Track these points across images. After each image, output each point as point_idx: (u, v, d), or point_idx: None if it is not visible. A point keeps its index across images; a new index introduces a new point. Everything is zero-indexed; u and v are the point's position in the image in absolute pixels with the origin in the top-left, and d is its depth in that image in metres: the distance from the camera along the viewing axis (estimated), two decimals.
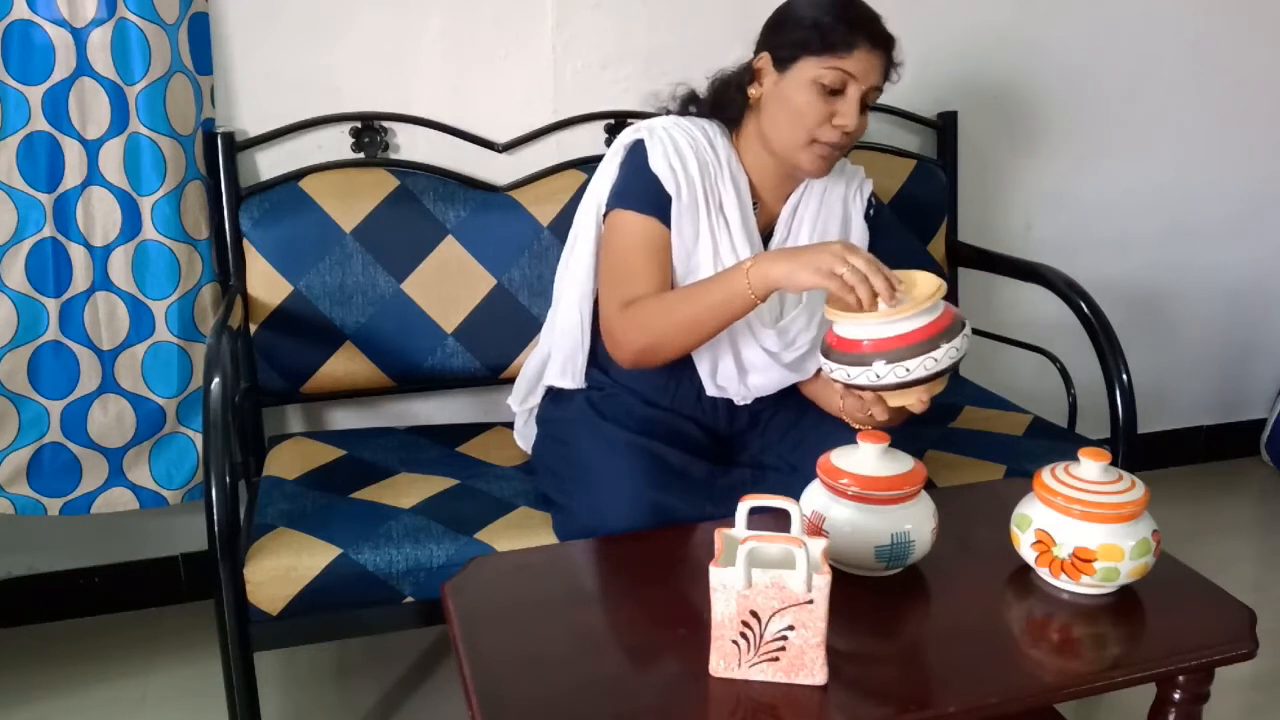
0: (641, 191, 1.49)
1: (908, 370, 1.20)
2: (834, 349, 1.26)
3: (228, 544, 1.38)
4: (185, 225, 1.75)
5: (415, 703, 1.81)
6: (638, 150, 1.51)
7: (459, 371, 1.90)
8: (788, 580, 1.00)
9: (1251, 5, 2.40)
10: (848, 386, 1.28)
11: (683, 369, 1.54)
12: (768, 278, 1.32)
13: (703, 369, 1.54)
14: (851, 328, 1.24)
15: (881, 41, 1.42)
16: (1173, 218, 2.50)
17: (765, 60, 1.48)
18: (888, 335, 1.21)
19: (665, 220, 1.48)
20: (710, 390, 1.55)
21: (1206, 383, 2.70)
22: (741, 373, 1.54)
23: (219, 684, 1.48)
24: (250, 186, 1.84)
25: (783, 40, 1.46)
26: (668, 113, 1.59)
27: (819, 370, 1.56)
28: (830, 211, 1.56)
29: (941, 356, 1.21)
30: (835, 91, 1.42)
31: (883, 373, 1.21)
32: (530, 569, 1.30)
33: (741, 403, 1.57)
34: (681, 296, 1.43)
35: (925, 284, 1.27)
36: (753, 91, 1.50)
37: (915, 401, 1.25)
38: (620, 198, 1.51)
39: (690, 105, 1.58)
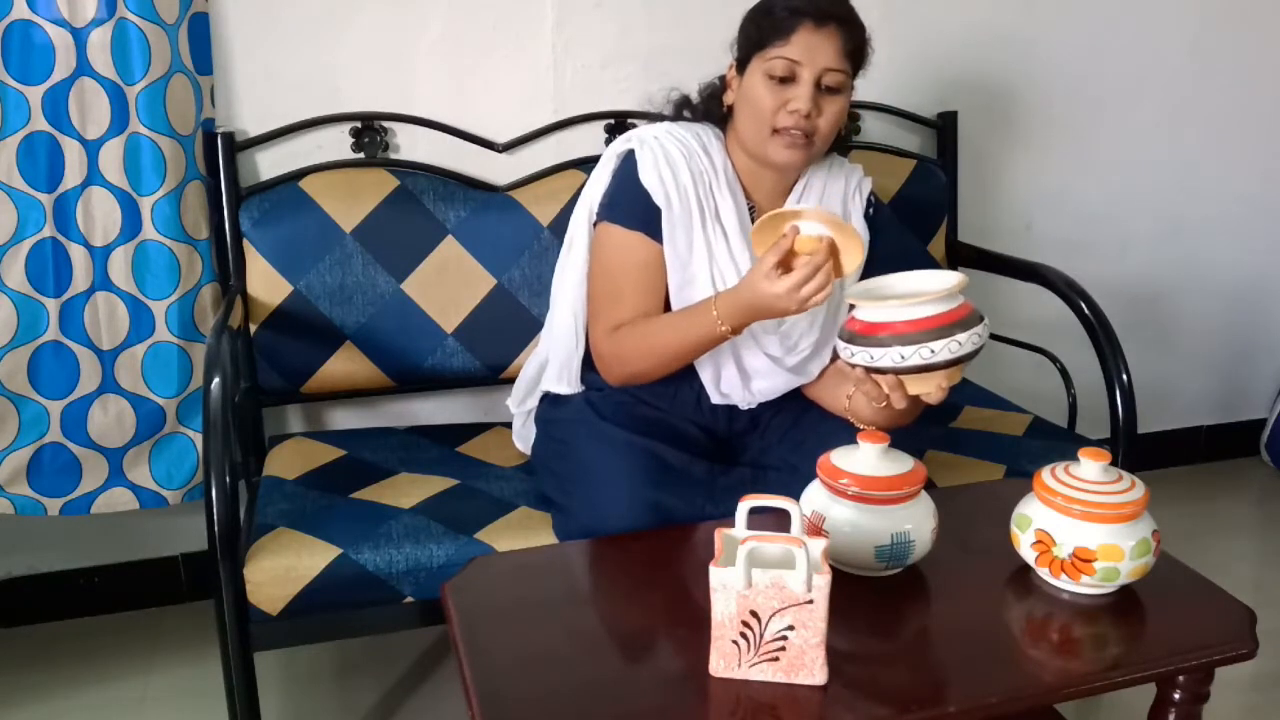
0: (630, 205, 1.49)
1: (932, 352, 1.21)
2: (857, 334, 1.27)
3: (228, 544, 1.37)
4: (185, 225, 1.75)
5: (415, 703, 1.81)
6: (628, 161, 1.52)
7: (459, 371, 1.90)
8: (788, 580, 1.00)
9: (1251, 5, 2.40)
10: (869, 370, 1.28)
11: (684, 373, 1.54)
12: (743, 323, 1.40)
13: (706, 378, 1.54)
14: (876, 312, 1.25)
15: (825, 20, 1.41)
16: (1173, 217, 2.50)
17: (731, 69, 1.51)
18: (912, 318, 1.22)
19: (653, 234, 1.48)
20: (715, 398, 1.55)
21: (1206, 383, 2.69)
22: (745, 379, 1.54)
23: (219, 684, 1.48)
24: (250, 186, 1.84)
25: (739, 44, 1.49)
26: (663, 117, 1.59)
27: (822, 372, 1.56)
28: (830, 211, 1.56)
29: (965, 341, 1.22)
30: (787, 79, 1.42)
31: (907, 354, 1.22)
32: (530, 569, 1.30)
33: (746, 408, 1.57)
34: (660, 329, 1.46)
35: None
36: (727, 99, 1.52)
37: (934, 389, 1.26)
38: (609, 210, 1.52)
39: (684, 110, 1.59)
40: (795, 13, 1.41)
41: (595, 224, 1.55)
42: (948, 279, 1.27)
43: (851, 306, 1.29)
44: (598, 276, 1.52)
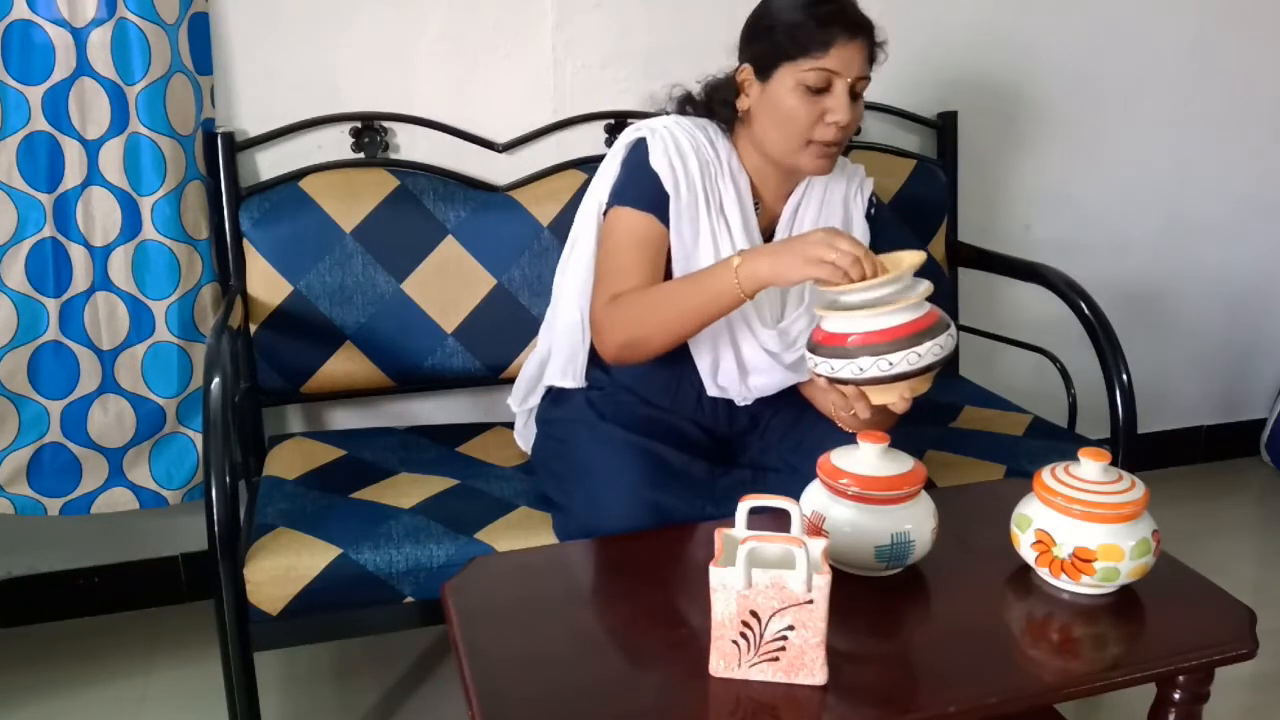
0: (641, 189, 1.49)
1: (890, 364, 1.20)
2: (819, 344, 1.26)
3: (228, 544, 1.38)
4: (185, 225, 1.76)
5: (415, 703, 1.81)
6: (639, 148, 1.52)
7: (459, 371, 1.90)
8: (788, 580, 1.00)
9: (1251, 5, 2.40)
10: (831, 381, 1.27)
11: (684, 370, 1.54)
12: (757, 276, 1.33)
13: (704, 369, 1.54)
14: (837, 322, 1.24)
15: (859, 30, 1.41)
16: (1172, 217, 2.50)
17: (747, 72, 1.48)
18: (872, 329, 1.21)
19: (663, 218, 1.48)
20: (711, 390, 1.55)
21: (1206, 383, 2.70)
22: (743, 373, 1.54)
23: (219, 684, 1.48)
24: (250, 186, 1.84)
25: (760, 50, 1.46)
26: (666, 113, 1.59)
27: None
28: (831, 211, 1.56)
29: (925, 352, 1.20)
30: (821, 90, 1.41)
31: (866, 366, 1.21)
32: (530, 569, 1.30)
33: (742, 403, 1.57)
34: (668, 293, 1.43)
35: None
36: (740, 104, 1.50)
37: (897, 399, 1.25)
38: (619, 195, 1.52)
39: (687, 106, 1.59)
40: (828, 24, 1.39)
41: (606, 211, 1.54)
42: (913, 286, 1.25)
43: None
44: (604, 257, 1.51)
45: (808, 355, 1.29)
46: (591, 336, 1.52)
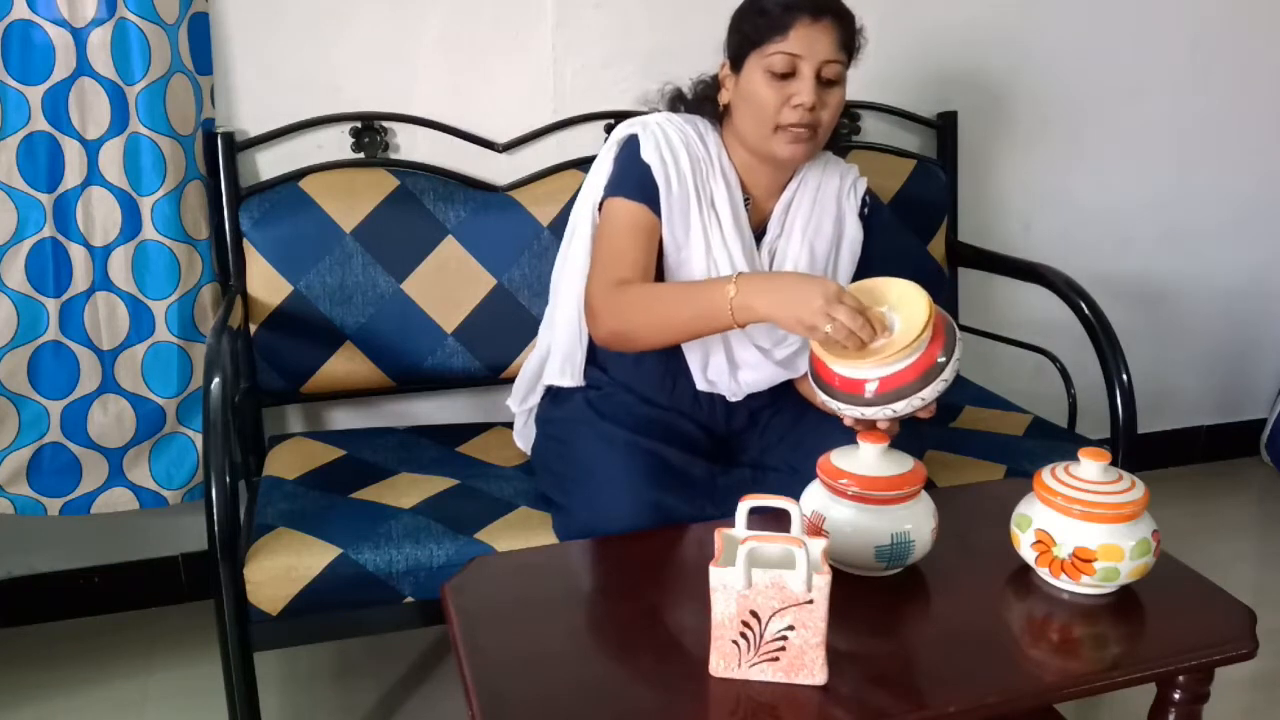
0: (634, 181, 1.50)
1: (923, 400, 1.20)
2: (837, 389, 1.23)
3: (228, 544, 1.38)
4: (185, 225, 1.76)
5: (415, 703, 1.81)
6: (631, 144, 1.53)
7: (459, 371, 1.90)
8: (788, 580, 1.00)
9: (1251, 5, 2.40)
10: (859, 421, 1.25)
11: (678, 365, 1.54)
12: (752, 310, 1.32)
13: (694, 364, 1.54)
14: (855, 370, 1.21)
15: (822, 12, 1.42)
16: (1172, 217, 2.50)
17: (725, 67, 1.52)
18: (894, 372, 1.19)
19: (655, 209, 1.49)
20: (701, 385, 1.55)
21: (1206, 383, 2.69)
22: (733, 368, 1.54)
23: (219, 684, 1.48)
24: (250, 186, 1.84)
25: (733, 42, 1.49)
26: (658, 111, 1.59)
27: None
28: (824, 209, 1.57)
29: (950, 374, 1.20)
30: (788, 75, 1.42)
31: (900, 408, 1.20)
32: (530, 569, 1.30)
33: (733, 399, 1.57)
34: (665, 296, 1.44)
35: (914, 305, 1.22)
36: (722, 99, 1.53)
37: (924, 413, 1.25)
38: (614, 187, 1.53)
39: (679, 103, 1.59)
40: (790, 8, 1.42)
41: (600, 205, 1.54)
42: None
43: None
44: (601, 244, 1.51)
45: (826, 399, 1.25)
46: (586, 316, 1.51)
